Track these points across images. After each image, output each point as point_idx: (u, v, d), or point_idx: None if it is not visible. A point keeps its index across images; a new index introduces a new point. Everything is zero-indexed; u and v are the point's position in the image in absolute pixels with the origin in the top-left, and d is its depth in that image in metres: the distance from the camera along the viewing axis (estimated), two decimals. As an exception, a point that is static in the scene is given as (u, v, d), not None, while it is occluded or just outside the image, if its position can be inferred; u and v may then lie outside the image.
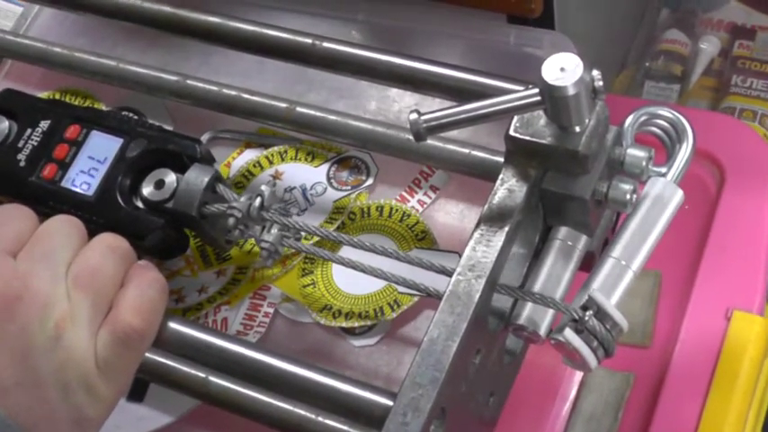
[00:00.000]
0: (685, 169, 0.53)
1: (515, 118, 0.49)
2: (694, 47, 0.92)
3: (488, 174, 0.61)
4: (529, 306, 0.51)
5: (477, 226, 0.50)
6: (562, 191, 0.50)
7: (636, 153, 0.51)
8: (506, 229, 0.49)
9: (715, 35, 0.93)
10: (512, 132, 0.49)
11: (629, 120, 0.53)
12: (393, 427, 0.45)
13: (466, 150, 0.61)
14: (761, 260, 0.63)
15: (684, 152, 0.53)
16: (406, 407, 0.46)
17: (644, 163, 0.51)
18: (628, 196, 0.50)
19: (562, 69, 0.46)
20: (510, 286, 0.51)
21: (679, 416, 0.60)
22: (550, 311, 0.51)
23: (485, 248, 0.49)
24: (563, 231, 0.53)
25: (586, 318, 0.49)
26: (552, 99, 0.46)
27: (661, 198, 0.51)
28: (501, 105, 0.47)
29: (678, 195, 0.52)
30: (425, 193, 0.66)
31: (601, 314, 0.49)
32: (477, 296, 0.48)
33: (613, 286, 0.50)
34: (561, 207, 0.51)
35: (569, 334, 0.49)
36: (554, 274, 0.52)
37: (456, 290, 0.48)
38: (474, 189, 0.64)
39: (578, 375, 0.64)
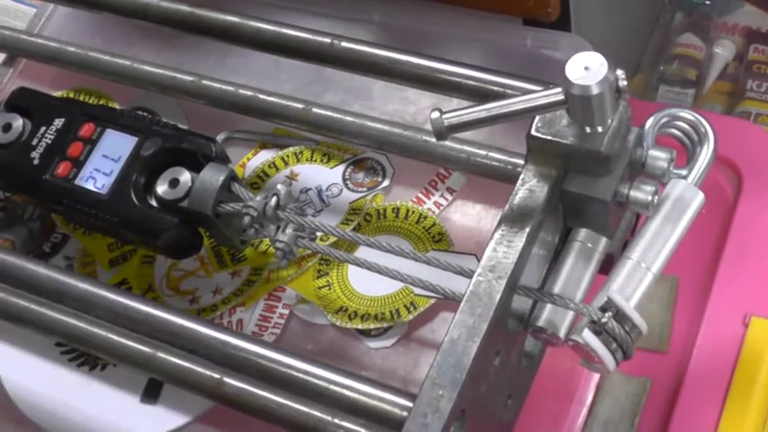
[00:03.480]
0: (706, 172, 0.52)
1: (537, 118, 0.49)
2: (709, 51, 0.91)
3: (506, 175, 0.60)
4: (548, 308, 0.51)
5: (498, 226, 0.49)
6: (583, 192, 0.50)
7: (658, 154, 0.51)
8: (527, 229, 0.49)
9: (730, 39, 0.93)
10: (533, 132, 0.49)
11: (649, 121, 0.53)
12: (413, 428, 0.45)
13: (483, 152, 0.61)
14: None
15: (705, 155, 0.52)
16: (426, 408, 0.45)
17: (666, 165, 0.51)
18: (649, 198, 0.50)
19: (586, 68, 0.45)
20: (530, 287, 0.51)
21: (696, 422, 0.59)
22: (570, 313, 0.50)
23: (505, 249, 0.49)
24: (583, 233, 0.52)
25: (605, 319, 0.48)
26: (576, 98, 0.46)
27: (682, 200, 0.51)
28: (524, 104, 0.47)
29: (699, 198, 0.51)
30: (442, 195, 0.65)
31: (620, 316, 0.49)
32: (498, 297, 0.47)
33: (633, 288, 0.50)
34: (582, 208, 0.51)
35: (588, 335, 0.48)
36: (574, 275, 0.51)
37: (477, 291, 0.48)
38: (491, 191, 0.64)
39: (594, 380, 0.63)
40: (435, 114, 0.47)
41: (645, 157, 0.51)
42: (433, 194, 0.66)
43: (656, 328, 0.65)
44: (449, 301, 0.60)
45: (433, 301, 0.61)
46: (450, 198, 0.65)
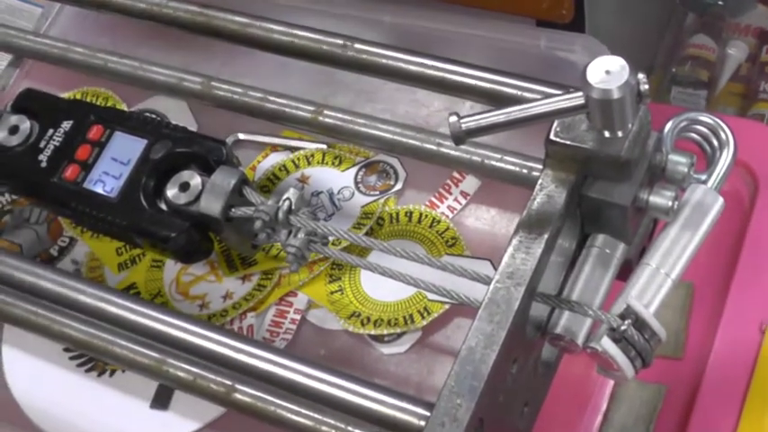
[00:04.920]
0: (726, 177, 0.51)
1: (556, 122, 0.48)
2: (721, 52, 0.90)
3: (521, 179, 0.60)
4: (566, 315, 0.50)
5: (516, 232, 0.48)
6: (602, 197, 0.49)
7: (678, 159, 0.50)
8: (546, 236, 0.48)
9: (743, 40, 0.92)
10: (552, 137, 0.48)
11: (669, 125, 0.52)
12: (431, 437, 0.44)
13: (498, 155, 0.60)
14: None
15: (726, 159, 0.52)
16: (443, 417, 0.44)
17: (686, 169, 0.50)
18: (669, 203, 0.49)
19: (607, 72, 0.44)
20: (548, 294, 0.50)
21: (713, 429, 0.58)
22: (588, 320, 0.50)
23: (524, 256, 0.48)
24: (600, 239, 0.52)
25: (624, 327, 0.48)
26: (596, 102, 0.45)
27: (702, 205, 0.50)
28: (543, 109, 0.46)
29: (719, 203, 0.51)
30: (455, 199, 0.65)
31: (639, 323, 0.48)
32: (517, 304, 0.46)
33: (652, 295, 0.49)
34: (600, 214, 0.50)
35: (607, 343, 0.48)
36: (592, 282, 0.51)
37: (495, 298, 0.47)
38: (505, 195, 0.63)
39: (609, 387, 0.62)
40: (453, 119, 0.47)
41: (665, 161, 0.50)
42: (447, 198, 0.65)
43: (671, 334, 0.64)
44: (463, 307, 0.59)
45: (447, 306, 0.60)
46: (463, 202, 0.65)
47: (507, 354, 0.47)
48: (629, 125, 0.47)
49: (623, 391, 0.62)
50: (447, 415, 0.44)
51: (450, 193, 0.65)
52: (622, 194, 0.49)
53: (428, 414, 0.45)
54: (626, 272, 0.52)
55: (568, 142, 0.48)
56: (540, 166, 0.56)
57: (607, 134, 0.47)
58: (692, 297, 0.65)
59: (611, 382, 0.62)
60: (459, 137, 0.47)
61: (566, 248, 0.51)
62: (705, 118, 0.52)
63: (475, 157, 0.61)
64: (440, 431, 0.44)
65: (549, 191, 0.49)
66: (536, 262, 0.47)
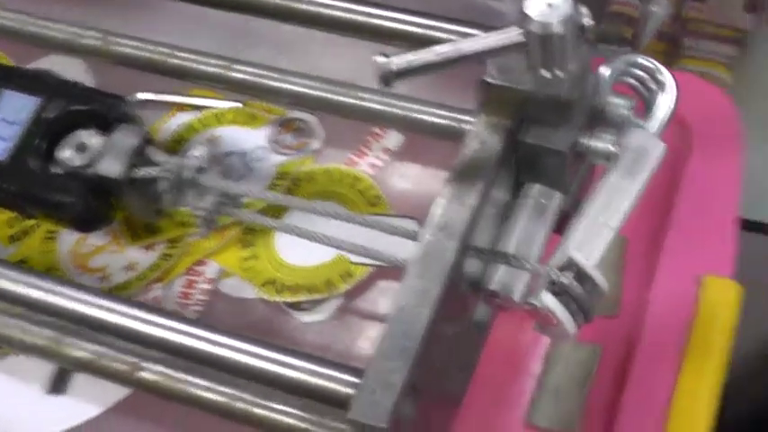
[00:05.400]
0: (667, 122, 0.49)
1: (490, 63, 0.45)
2: (644, 8, 0.88)
3: (448, 133, 0.56)
4: (502, 269, 0.46)
5: (449, 182, 0.45)
6: (541, 143, 0.46)
7: (618, 101, 0.47)
8: (480, 185, 0.44)
9: (665, -4, 0.91)
10: (487, 78, 0.45)
11: (605, 68, 0.49)
12: (362, 406, 0.40)
13: (423, 107, 0.56)
14: (730, 224, 0.60)
15: (666, 103, 0.49)
16: (375, 383, 0.40)
17: (626, 112, 0.47)
18: (610, 147, 0.46)
19: (549, 5, 0.41)
20: (482, 248, 0.46)
21: (651, 387, 0.56)
22: (524, 275, 0.46)
23: (457, 206, 0.44)
24: (536, 189, 0.48)
25: (565, 280, 0.44)
26: (536, 37, 0.41)
27: (642, 151, 0.47)
28: (479, 46, 0.42)
29: (660, 148, 0.48)
30: (377, 156, 0.61)
31: (580, 275, 0.45)
32: (451, 258, 0.43)
33: (592, 246, 0.46)
34: (537, 161, 0.47)
35: (547, 297, 0.44)
36: (528, 234, 0.47)
37: (427, 251, 0.43)
38: (431, 151, 0.59)
39: (542, 348, 0.59)
40: (381, 59, 0.43)
41: (604, 104, 0.47)
42: (368, 155, 0.61)
43: (604, 292, 0.61)
44: (388, 270, 0.56)
45: (370, 269, 0.56)
46: (386, 159, 0.61)
47: (442, 312, 0.43)
48: (570, 64, 0.43)
49: (557, 353, 0.59)
50: (378, 381, 0.40)
51: (372, 150, 0.61)
52: (561, 139, 0.45)
53: (357, 381, 0.41)
54: (563, 224, 0.49)
55: (504, 84, 0.44)
56: (469, 118, 0.53)
57: (546, 74, 0.44)
58: (625, 252, 0.62)
59: (545, 344, 0.59)
60: (388, 78, 0.43)
61: (500, 199, 0.48)
62: (643, 60, 0.49)
63: (397, 110, 0.57)
64: (370, 399, 0.40)
65: (483, 137, 0.45)
66: (470, 212, 0.44)
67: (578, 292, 0.44)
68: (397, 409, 0.40)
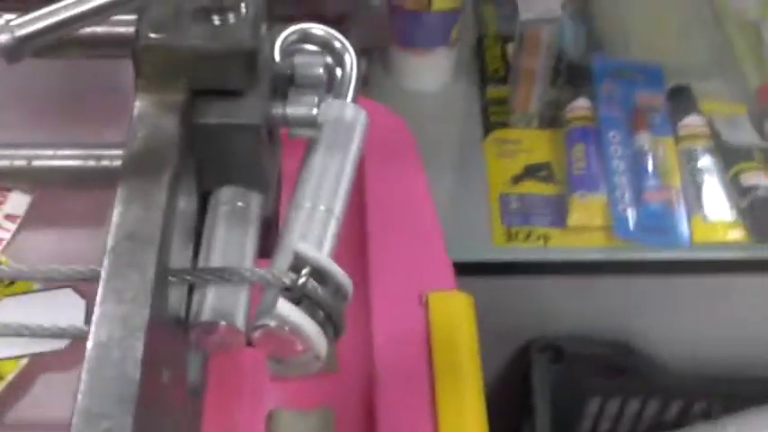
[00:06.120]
0: (357, 88, 0.41)
1: (142, 22, 0.34)
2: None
3: (90, 175, 0.43)
4: (212, 293, 0.35)
5: (122, 183, 0.33)
6: (226, 120, 0.36)
7: (306, 60, 0.39)
8: (165, 177, 0.33)
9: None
10: (141, 42, 0.34)
11: (278, 40, 0.41)
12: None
13: (49, 151, 0.43)
14: (437, 233, 0.53)
15: (350, 70, 0.41)
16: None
17: (320, 70, 0.39)
18: (314, 111, 0.37)
19: None
20: (184, 269, 0.35)
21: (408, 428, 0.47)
22: (242, 294, 0.35)
23: (142, 210, 0.32)
24: (227, 193, 0.38)
25: (303, 279, 0.34)
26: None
27: (343, 120, 0.39)
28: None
29: (362, 115, 0.40)
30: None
31: (318, 274, 0.35)
32: (153, 270, 0.31)
33: (319, 238, 0.37)
34: (224, 151, 0.37)
35: (285, 307, 0.34)
36: (231, 246, 0.37)
37: (118, 266, 0.31)
38: (71, 202, 0.46)
39: (260, 422, 0.48)
40: (-2, 20, 0.31)
41: (290, 66, 0.38)
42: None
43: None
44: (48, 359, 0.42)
45: (25, 361, 0.41)
46: (13, 227, 0.46)
47: (155, 348, 0.31)
48: (243, 6, 0.35)
49: (278, 426, 0.48)
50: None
51: None
52: (250, 111, 0.36)
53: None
54: (266, 242, 0.39)
55: (164, 43, 0.34)
56: (110, 152, 0.41)
57: (216, 21, 0.34)
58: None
59: (261, 418, 0.48)
60: (15, 49, 0.31)
61: (186, 212, 0.37)
62: (317, 30, 0.42)
63: (17, 162, 0.43)
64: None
65: (153, 120, 0.34)
66: (162, 214, 0.33)
67: (321, 295, 0.35)
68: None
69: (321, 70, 0.38)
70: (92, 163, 0.43)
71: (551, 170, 0.81)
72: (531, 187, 0.80)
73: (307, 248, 0.35)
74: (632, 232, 0.76)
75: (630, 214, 0.77)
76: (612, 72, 0.84)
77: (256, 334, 0.35)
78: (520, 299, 0.80)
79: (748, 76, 0.87)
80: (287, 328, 0.34)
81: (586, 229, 0.77)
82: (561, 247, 0.77)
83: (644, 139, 0.80)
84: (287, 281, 0.34)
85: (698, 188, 0.79)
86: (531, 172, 0.81)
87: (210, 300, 0.35)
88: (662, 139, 0.81)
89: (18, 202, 0.47)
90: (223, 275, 0.35)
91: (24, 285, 0.43)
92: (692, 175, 0.80)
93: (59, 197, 0.45)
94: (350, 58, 0.41)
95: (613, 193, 0.77)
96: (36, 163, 0.44)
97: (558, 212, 0.78)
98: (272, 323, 0.34)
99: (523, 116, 0.83)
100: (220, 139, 0.36)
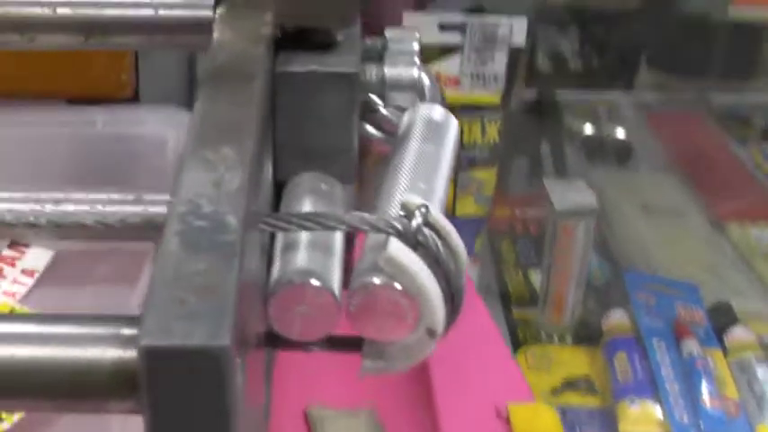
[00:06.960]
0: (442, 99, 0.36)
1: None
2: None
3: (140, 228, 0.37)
4: (301, 256, 0.28)
5: (190, 131, 0.27)
6: (315, 67, 0.30)
7: (400, 35, 0.34)
8: (252, 126, 0.27)
9: None
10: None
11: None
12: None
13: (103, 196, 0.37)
14: (503, 346, 0.46)
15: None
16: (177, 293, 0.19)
17: (415, 46, 0.34)
18: (414, 71, 0.32)
19: None
20: (278, 214, 0.28)
21: None
22: (335, 260, 0.28)
23: (234, 151, 0.26)
24: (308, 176, 0.32)
25: (417, 223, 0.27)
26: None
27: (433, 121, 0.34)
28: None
29: (454, 122, 0.35)
30: (15, 280, 0.38)
31: (431, 223, 0.28)
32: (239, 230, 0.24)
33: (424, 200, 0.30)
34: (310, 113, 0.31)
35: (399, 249, 0.27)
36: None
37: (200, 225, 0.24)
38: (93, 262, 0.39)
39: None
40: None
41: (385, 44, 0.33)
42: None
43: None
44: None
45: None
46: (29, 282, 0.38)
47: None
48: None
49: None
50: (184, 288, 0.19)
51: (4, 276, 0.38)
52: (344, 60, 0.31)
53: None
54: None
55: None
56: (159, 197, 0.36)
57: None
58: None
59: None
60: None
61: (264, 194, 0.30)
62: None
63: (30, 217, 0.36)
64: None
65: (237, 47, 0.29)
66: (250, 156, 0.26)
67: (437, 245, 0.28)
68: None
69: (415, 56, 0.34)
70: (138, 209, 0.37)
71: (591, 382, 0.74)
72: (571, 398, 0.73)
73: (416, 199, 0.28)
74: (693, 440, 0.68)
75: (689, 421, 0.69)
76: (647, 285, 0.80)
77: (356, 299, 0.27)
78: None
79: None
80: (397, 285, 0.27)
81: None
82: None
83: (692, 345, 0.74)
84: (399, 225, 0.27)
85: (758, 399, 0.72)
86: (569, 385, 0.74)
87: (299, 260, 0.27)
88: (710, 350, 0.75)
89: (38, 256, 0.39)
90: (319, 221, 0.27)
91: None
92: (749, 385, 0.73)
93: (81, 255, 0.38)
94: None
95: (667, 400, 0.70)
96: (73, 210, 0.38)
97: (606, 424, 0.70)
98: (378, 280, 0.27)
99: (556, 329, 0.77)
100: (308, 95, 0.31)
